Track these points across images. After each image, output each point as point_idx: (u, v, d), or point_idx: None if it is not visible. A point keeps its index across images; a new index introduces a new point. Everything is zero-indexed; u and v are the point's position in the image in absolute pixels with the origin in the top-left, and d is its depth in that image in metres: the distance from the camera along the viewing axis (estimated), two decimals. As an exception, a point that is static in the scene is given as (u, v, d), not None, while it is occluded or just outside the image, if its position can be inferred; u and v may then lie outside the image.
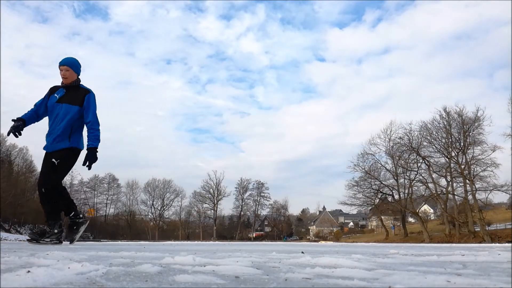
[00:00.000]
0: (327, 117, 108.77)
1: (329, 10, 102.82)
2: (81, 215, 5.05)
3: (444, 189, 38.99)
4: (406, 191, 43.76)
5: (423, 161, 40.18)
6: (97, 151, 4.69)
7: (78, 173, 62.97)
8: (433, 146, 39.02)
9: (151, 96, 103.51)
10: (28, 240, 4.94)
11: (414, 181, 42.07)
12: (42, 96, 4.96)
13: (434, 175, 39.92)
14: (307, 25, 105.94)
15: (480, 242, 29.46)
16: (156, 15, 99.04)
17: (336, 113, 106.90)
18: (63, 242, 4.94)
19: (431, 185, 40.27)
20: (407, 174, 42.96)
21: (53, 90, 4.93)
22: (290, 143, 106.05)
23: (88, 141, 4.72)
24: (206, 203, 70.21)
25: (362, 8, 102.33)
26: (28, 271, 1.46)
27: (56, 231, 4.76)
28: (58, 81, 5.02)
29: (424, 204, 56.00)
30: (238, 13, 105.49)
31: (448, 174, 38.28)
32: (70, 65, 4.83)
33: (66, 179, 53.81)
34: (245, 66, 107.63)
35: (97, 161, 4.68)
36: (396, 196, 45.09)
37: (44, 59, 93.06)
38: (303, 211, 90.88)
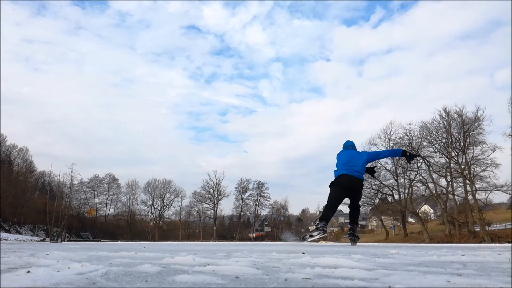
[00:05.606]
0: (330, 117, 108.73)
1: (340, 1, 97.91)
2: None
3: (444, 189, 38.98)
4: (406, 191, 43.76)
5: (423, 161, 40.17)
6: None
7: (78, 173, 63.18)
8: (433, 146, 39.02)
9: (155, 93, 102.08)
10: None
11: (414, 181, 42.07)
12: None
13: (434, 175, 39.91)
14: (317, 13, 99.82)
15: (480, 242, 29.46)
16: (157, 3, 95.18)
17: (339, 112, 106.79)
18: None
19: (431, 185, 40.28)
20: (407, 174, 42.95)
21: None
22: (294, 142, 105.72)
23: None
24: (206, 203, 70.26)
25: (373, 6, 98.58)
26: (28, 271, 1.46)
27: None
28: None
29: (424, 204, 55.99)
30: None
31: (448, 174, 38.28)
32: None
33: (66, 179, 53.68)
34: (251, 59, 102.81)
35: None
36: (396, 196, 45.09)
37: (47, 55, 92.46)
38: (303, 211, 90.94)
